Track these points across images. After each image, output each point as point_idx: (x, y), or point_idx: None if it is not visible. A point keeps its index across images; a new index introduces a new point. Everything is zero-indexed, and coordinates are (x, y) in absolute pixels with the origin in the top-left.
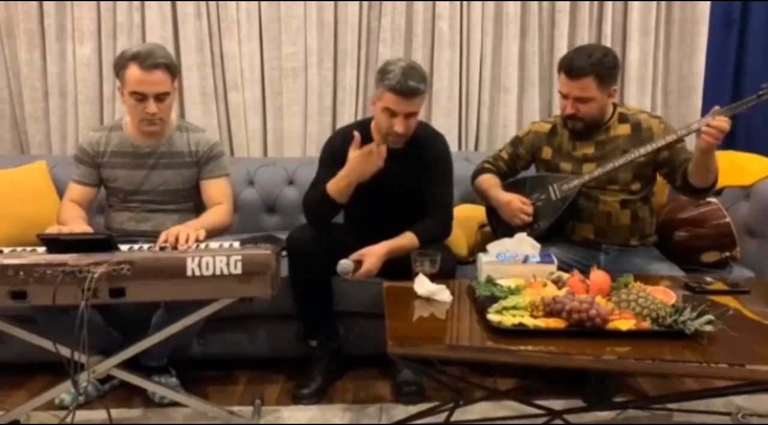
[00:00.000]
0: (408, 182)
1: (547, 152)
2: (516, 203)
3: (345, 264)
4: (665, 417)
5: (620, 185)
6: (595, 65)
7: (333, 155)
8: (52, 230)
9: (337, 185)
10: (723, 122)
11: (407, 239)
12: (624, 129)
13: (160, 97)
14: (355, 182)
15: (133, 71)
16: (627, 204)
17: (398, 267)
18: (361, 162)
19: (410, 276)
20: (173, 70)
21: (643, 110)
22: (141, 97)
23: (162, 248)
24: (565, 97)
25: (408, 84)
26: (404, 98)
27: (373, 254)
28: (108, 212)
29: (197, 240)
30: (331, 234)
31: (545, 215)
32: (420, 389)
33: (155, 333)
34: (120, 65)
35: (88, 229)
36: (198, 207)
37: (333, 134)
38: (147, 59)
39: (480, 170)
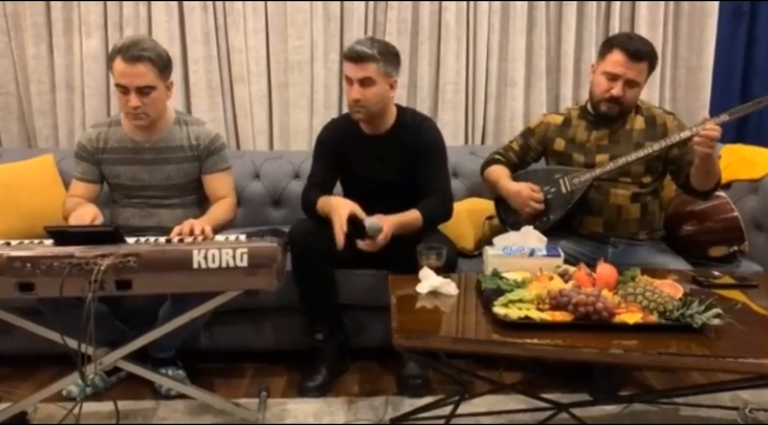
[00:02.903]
0: (399, 168)
1: (559, 144)
2: (526, 192)
3: (375, 223)
4: (672, 412)
5: (632, 177)
6: (651, 53)
7: (322, 148)
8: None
9: (322, 210)
10: (713, 131)
11: (412, 215)
12: (639, 122)
13: (143, 91)
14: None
15: (118, 63)
16: (637, 197)
17: (403, 260)
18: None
19: (415, 270)
20: (160, 63)
21: (656, 106)
22: (124, 90)
23: (168, 241)
24: (614, 78)
25: (354, 48)
26: (352, 63)
27: (387, 220)
28: (113, 208)
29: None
30: (330, 226)
31: (555, 208)
32: (425, 382)
33: (162, 325)
34: (109, 58)
35: (95, 209)
36: (201, 201)
37: (322, 128)
38: (129, 51)
39: (490, 161)
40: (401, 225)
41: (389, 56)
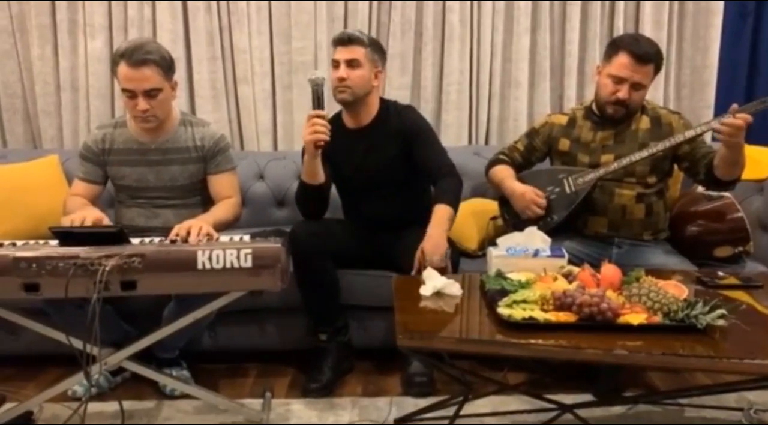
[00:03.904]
0: (386, 158)
1: (564, 144)
2: (530, 195)
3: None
4: (676, 413)
5: (637, 177)
6: (657, 55)
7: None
8: (68, 219)
9: (304, 169)
10: (738, 120)
11: (444, 211)
12: (645, 122)
13: (150, 94)
14: (312, 154)
15: (123, 68)
16: (642, 198)
17: (406, 262)
18: (303, 133)
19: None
20: (165, 65)
21: (661, 106)
22: (131, 94)
23: (173, 242)
24: (620, 81)
25: (345, 32)
26: (341, 46)
27: (431, 236)
28: (118, 208)
29: (208, 235)
30: (331, 228)
31: (559, 208)
32: (430, 380)
33: (166, 325)
34: (113, 62)
35: (99, 212)
36: (206, 202)
37: None
38: (133, 55)
39: (495, 161)
40: (447, 228)
41: (376, 47)
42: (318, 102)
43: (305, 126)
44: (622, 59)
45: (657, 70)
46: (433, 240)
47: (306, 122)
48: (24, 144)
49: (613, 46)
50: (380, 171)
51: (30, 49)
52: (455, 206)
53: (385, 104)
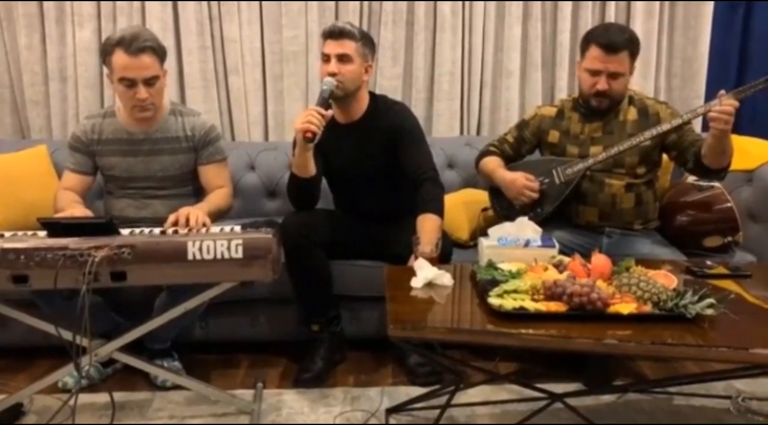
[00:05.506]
0: (376, 154)
1: (554, 136)
2: (521, 181)
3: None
4: (665, 401)
5: (626, 168)
6: (629, 41)
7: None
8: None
9: (294, 161)
10: (728, 106)
11: (432, 221)
12: (632, 113)
13: (149, 82)
14: (302, 146)
15: (120, 57)
16: (631, 188)
17: (399, 250)
18: (296, 122)
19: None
20: (161, 52)
21: (648, 96)
22: (130, 83)
23: (163, 232)
24: (595, 73)
25: (336, 25)
26: (332, 39)
27: (426, 246)
28: (108, 199)
29: (204, 224)
30: (323, 218)
31: (549, 199)
32: (434, 369)
33: (157, 316)
34: (106, 52)
35: (87, 212)
36: (197, 191)
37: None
38: (132, 44)
39: (485, 153)
40: (437, 238)
41: (367, 40)
42: (323, 101)
43: (300, 115)
44: (594, 52)
45: (633, 55)
46: (425, 246)
47: (303, 111)
48: (12, 134)
49: (585, 41)
50: (370, 166)
51: (17, 39)
52: (441, 215)
53: (375, 99)
